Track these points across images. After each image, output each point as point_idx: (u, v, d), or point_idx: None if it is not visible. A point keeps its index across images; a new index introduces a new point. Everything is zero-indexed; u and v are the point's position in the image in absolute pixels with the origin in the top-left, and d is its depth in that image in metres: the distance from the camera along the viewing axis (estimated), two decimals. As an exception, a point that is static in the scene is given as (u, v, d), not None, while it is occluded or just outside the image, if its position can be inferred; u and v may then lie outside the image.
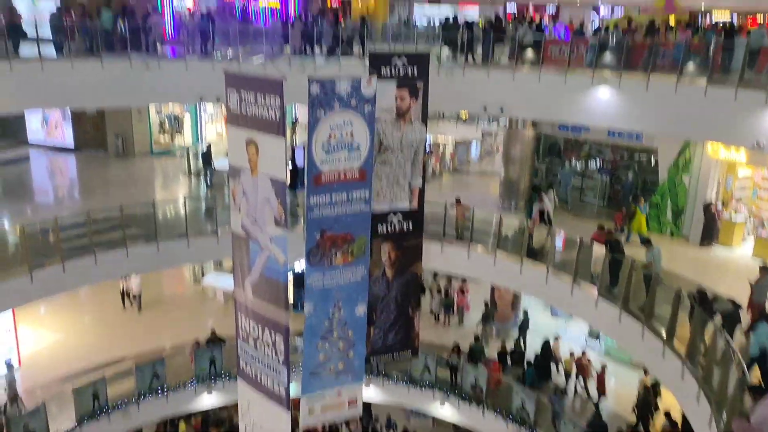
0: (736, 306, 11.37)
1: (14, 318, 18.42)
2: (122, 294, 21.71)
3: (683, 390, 11.36)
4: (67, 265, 15.07)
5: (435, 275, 21.91)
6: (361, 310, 12.45)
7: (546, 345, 18.29)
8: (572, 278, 14.86)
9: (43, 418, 14.51)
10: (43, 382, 16.97)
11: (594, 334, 20.05)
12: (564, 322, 21.13)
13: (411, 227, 14.21)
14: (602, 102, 15.72)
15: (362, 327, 12.64)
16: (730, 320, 10.99)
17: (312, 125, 10.71)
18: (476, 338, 19.03)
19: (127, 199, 17.26)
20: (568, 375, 17.89)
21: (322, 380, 12.61)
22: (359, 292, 12.31)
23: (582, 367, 17.56)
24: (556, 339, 18.73)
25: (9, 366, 17.03)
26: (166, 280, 23.91)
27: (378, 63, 12.84)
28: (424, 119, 13.84)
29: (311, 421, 13.07)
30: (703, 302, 11.27)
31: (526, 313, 20.14)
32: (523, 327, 19.95)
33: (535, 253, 16.28)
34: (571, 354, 18.11)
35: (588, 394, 17.40)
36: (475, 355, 18.29)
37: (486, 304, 20.98)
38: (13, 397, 16.23)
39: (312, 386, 12.58)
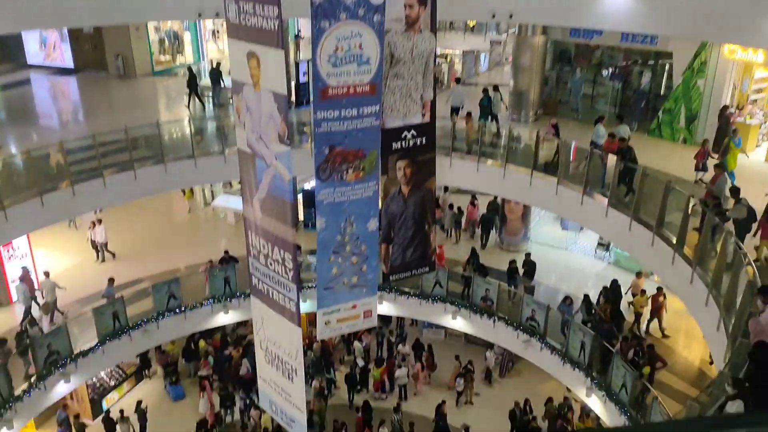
0: (751, 211, 11.28)
1: (29, 242, 18.68)
2: (91, 243, 20.06)
3: (692, 295, 11.44)
4: (77, 189, 15.10)
5: (445, 190, 21.80)
6: (373, 224, 12.57)
7: (615, 283, 16.91)
8: (582, 188, 14.72)
9: (66, 337, 14.92)
10: (62, 304, 17.34)
11: (604, 246, 20.13)
12: (574, 234, 21.18)
13: (424, 141, 14.00)
14: (615, 3, 15.02)
15: (374, 241, 12.80)
16: (743, 225, 10.93)
17: (316, 36, 10.34)
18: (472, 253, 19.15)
19: (132, 120, 17.05)
20: (639, 315, 16.41)
21: (336, 294, 12.88)
22: (371, 207, 12.41)
23: (658, 307, 16.05)
24: (639, 275, 17.00)
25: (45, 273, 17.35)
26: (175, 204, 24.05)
27: (384, -31, 12.22)
28: (433, 28, 13.35)
29: (328, 334, 13.47)
30: (717, 206, 11.16)
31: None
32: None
33: (545, 165, 16.09)
34: (643, 292, 16.53)
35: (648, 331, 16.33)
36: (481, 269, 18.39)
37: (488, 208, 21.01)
38: (51, 304, 16.66)
39: (327, 301, 12.86)
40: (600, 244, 20.18)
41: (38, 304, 16.92)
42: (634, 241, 13.51)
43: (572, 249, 20.84)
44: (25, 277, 17.15)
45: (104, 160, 15.76)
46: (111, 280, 16.94)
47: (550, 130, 17.04)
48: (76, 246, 20.62)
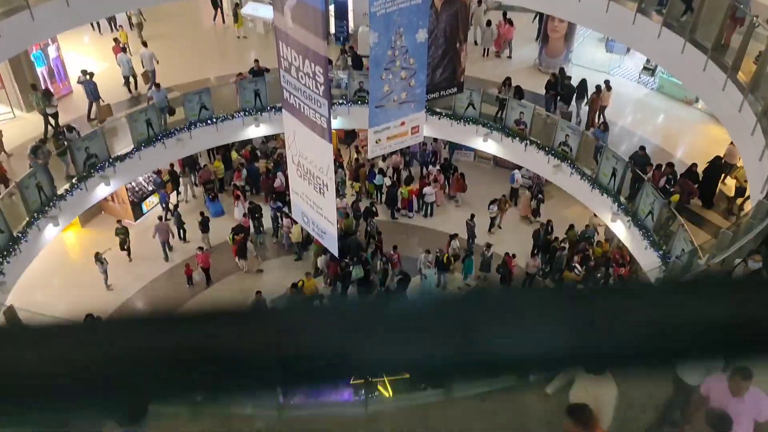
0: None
1: (58, 47, 18.40)
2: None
3: (738, 123, 11.02)
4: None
5: (479, 3, 20.39)
6: (422, 35, 12.25)
7: (717, 161, 14.56)
8: (637, 5, 13.64)
9: (102, 142, 15.19)
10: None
11: (649, 70, 19.17)
12: (619, 57, 20.11)
13: (463, -53, 12.90)
14: None
15: (423, 54, 12.51)
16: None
17: None
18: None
19: None
20: (743, 189, 14.31)
21: (387, 112, 12.90)
22: (420, 17, 12.01)
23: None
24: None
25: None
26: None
27: None
28: None
29: (378, 151, 13.68)
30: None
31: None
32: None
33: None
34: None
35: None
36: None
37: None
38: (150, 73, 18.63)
39: (378, 119, 12.89)
40: (645, 69, 19.22)
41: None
42: (684, 65, 12.77)
43: (615, 73, 19.91)
44: (125, 48, 19.02)
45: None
46: (157, 85, 16.81)
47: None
48: (103, 51, 20.28)
